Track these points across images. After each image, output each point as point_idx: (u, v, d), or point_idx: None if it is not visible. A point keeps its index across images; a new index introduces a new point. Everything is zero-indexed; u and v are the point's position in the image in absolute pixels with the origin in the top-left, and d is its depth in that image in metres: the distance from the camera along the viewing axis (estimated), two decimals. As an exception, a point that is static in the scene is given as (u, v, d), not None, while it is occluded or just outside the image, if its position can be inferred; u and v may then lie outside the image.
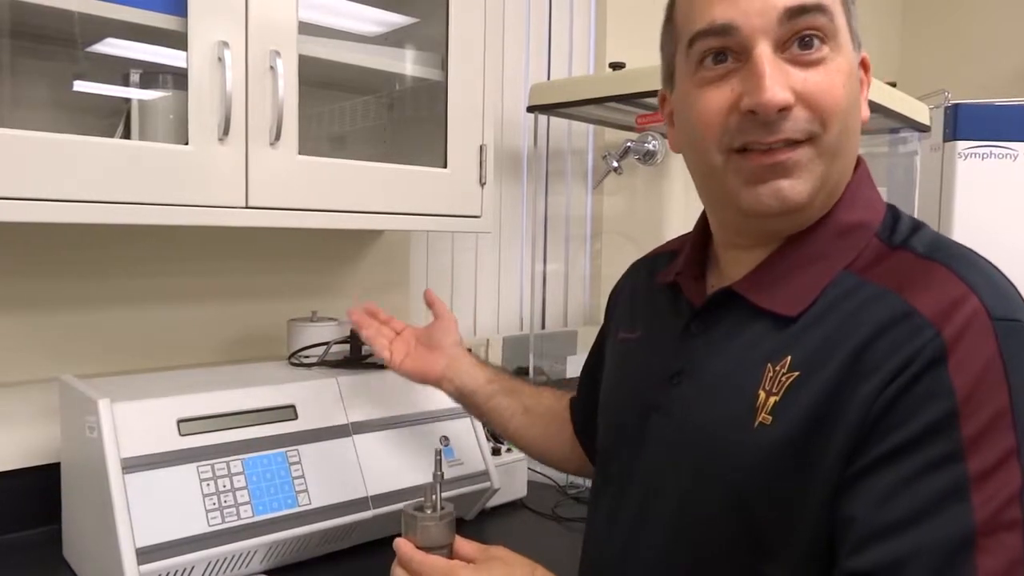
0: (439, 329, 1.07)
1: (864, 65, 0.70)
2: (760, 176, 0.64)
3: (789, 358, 0.63)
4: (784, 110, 0.62)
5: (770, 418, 0.62)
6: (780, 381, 0.62)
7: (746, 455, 0.63)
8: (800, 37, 0.62)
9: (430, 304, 1.10)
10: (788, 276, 0.67)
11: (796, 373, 0.62)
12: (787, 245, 0.68)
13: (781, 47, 0.63)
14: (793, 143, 0.63)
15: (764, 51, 0.62)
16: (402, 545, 0.72)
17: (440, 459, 0.77)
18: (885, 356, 0.57)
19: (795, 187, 0.64)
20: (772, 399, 0.62)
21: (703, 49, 0.65)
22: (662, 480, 0.70)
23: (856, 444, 0.57)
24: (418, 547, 0.72)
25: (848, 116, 0.64)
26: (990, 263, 0.63)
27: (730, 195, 0.67)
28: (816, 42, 0.63)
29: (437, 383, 1.05)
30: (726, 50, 0.64)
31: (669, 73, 0.73)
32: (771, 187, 0.64)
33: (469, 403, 1.05)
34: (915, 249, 0.64)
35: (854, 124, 0.66)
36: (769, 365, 0.64)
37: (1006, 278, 0.62)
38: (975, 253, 0.64)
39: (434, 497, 0.74)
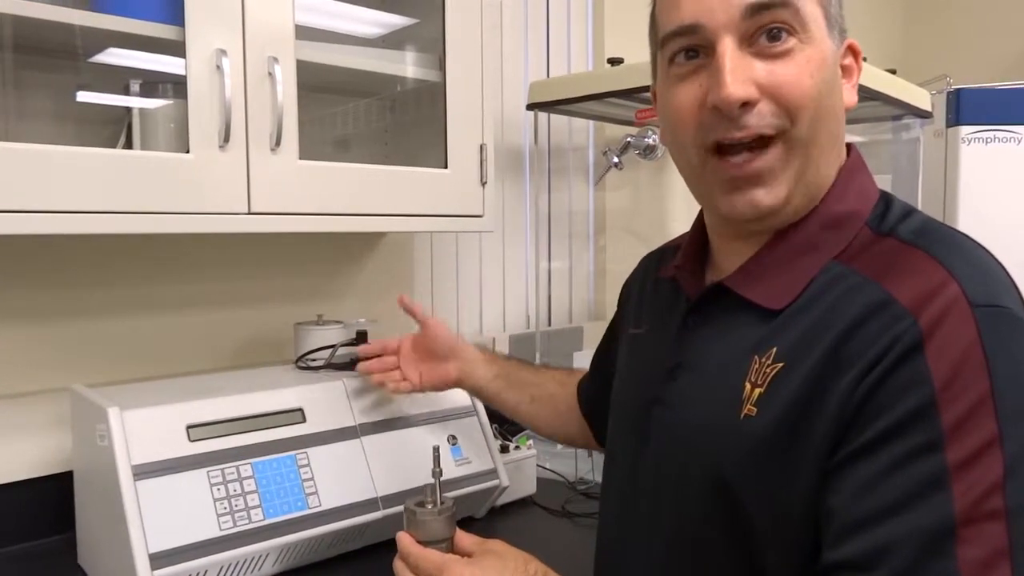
0: (430, 337, 1.12)
1: (853, 51, 0.69)
2: (735, 185, 0.65)
3: (774, 349, 0.63)
4: (747, 105, 0.62)
5: (755, 410, 0.62)
6: (765, 373, 0.62)
7: (732, 447, 0.63)
8: (767, 30, 0.62)
9: (407, 311, 1.13)
10: (777, 269, 0.66)
11: (780, 364, 0.62)
12: (777, 237, 0.68)
13: (748, 41, 0.63)
14: (762, 139, 0.63)
15: (727, 46, 0.62)
16: (403, 539, 0.74)
17: (438, 456, 0.78)
18: (864, 346, 0.57)
19: (770, 193, 0.64)
20: (757, 391, 0.62)
21: (674, 49, 0.66)
22: (664, 473, 0.71)
23: (837, 436, 0.57)
24: (419, 541, 0.73)
25: (820, 105, 0.63)
26: (980, 247, 0.62)
27: (709, 197, 0.69)
28: (783, 34, 0.62)
29: (456, 387, 1.14)
30: (696, 47, 0.65)
31: (654, 71, 0.74)
32: (746, 197, 0.65)
33: (480, 398, 1.16)
34: (901, 236, 0.63)
35: (831, 113, 0.65)
36: (755, 357, 0.64)
37: (996, 262, 0.61)
38: (966, 238, 0.63)
39: (434, 493, 0.76)
